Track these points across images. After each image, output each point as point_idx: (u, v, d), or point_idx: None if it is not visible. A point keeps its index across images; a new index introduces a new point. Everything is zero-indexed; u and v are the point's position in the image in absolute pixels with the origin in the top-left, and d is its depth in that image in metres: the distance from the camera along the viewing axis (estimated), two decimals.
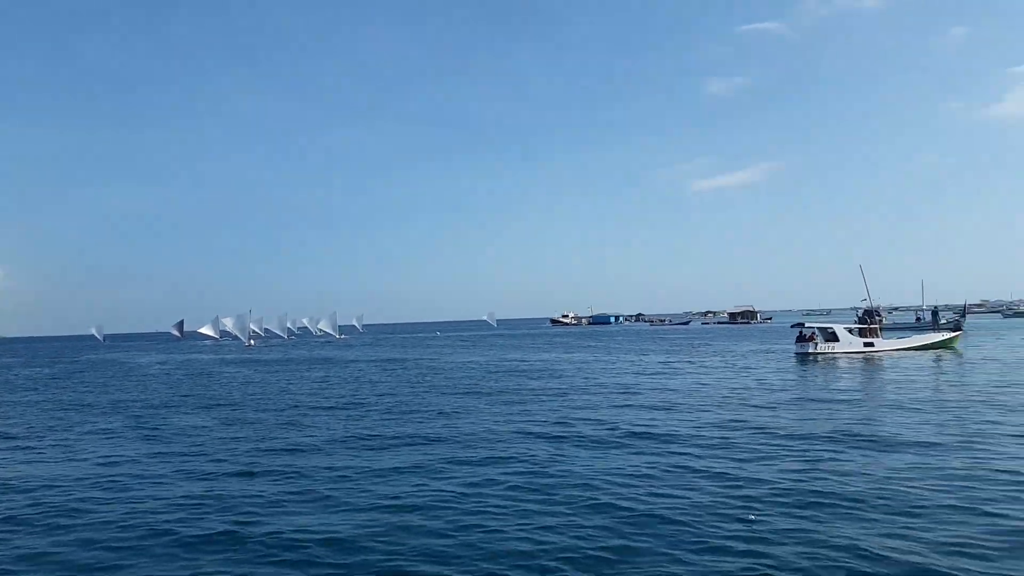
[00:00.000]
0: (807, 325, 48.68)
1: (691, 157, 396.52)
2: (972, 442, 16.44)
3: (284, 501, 13.01)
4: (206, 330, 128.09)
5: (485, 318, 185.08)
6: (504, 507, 12.11)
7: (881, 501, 11.65)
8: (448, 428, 21.06)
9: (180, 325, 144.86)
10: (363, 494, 13.31)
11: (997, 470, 13.60)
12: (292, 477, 14.99)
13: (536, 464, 15.50)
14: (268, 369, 52.59)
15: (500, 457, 16.41)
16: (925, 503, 11.48)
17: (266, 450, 18.32)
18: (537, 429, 20.34)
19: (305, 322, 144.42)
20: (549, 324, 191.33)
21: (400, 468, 15.53)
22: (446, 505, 12.35)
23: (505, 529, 10.89)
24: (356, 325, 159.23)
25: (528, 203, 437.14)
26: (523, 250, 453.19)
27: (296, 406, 28.00)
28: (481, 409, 25.33)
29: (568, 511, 11.75)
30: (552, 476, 14.34)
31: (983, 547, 9.38)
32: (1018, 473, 13.30)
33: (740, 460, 15.23)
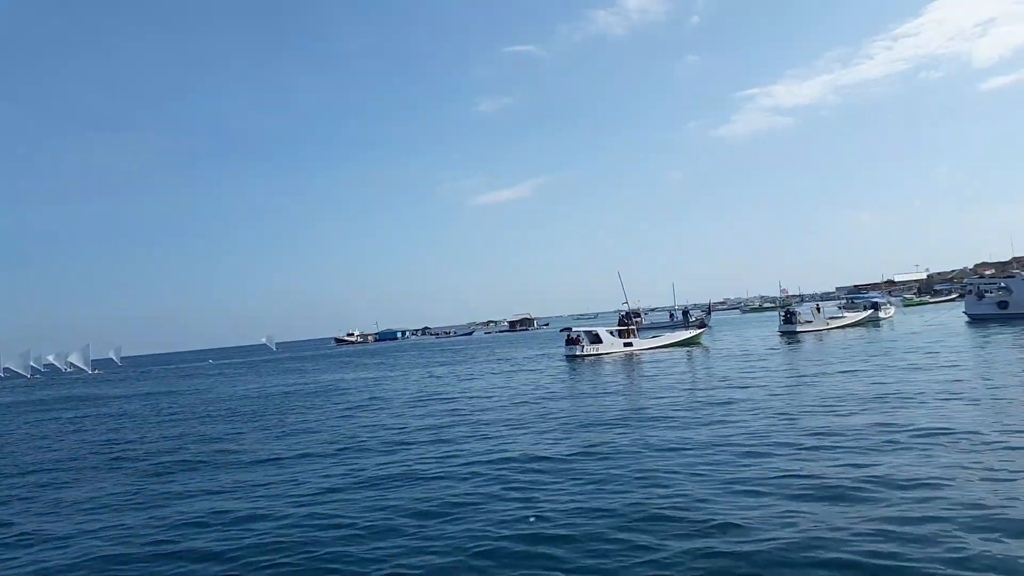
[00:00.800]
0: (574, 329, 52.31)
1: (469, 173, 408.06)
2: (714, 419, 18.87)
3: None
4: None
5: (264, 341, 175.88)
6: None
7: (637, 472, 13.02)
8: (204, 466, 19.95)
9: None
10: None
11: (731, 440, 15.77)
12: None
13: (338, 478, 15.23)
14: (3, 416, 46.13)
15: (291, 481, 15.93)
16: (675, 469, 12.99)
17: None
18: (320, 449, 19.95)
19: (51, 358, 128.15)
20: (334, 344, 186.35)
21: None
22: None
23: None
24: (114, 358, 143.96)
25: (305, 218, 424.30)
26: (302, 268, 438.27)
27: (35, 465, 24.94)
28: (248, 438, 24.24)
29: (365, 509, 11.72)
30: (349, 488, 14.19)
31: (714, 497, 10.86)
32: (744, 444, 15.48)
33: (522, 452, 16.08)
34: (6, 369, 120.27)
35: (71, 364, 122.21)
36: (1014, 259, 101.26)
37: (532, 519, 11.20)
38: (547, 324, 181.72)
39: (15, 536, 13.27)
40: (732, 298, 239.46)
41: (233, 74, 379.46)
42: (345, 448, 19.82)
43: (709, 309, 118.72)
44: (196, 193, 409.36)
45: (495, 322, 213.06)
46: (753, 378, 28.79)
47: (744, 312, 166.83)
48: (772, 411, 19.76)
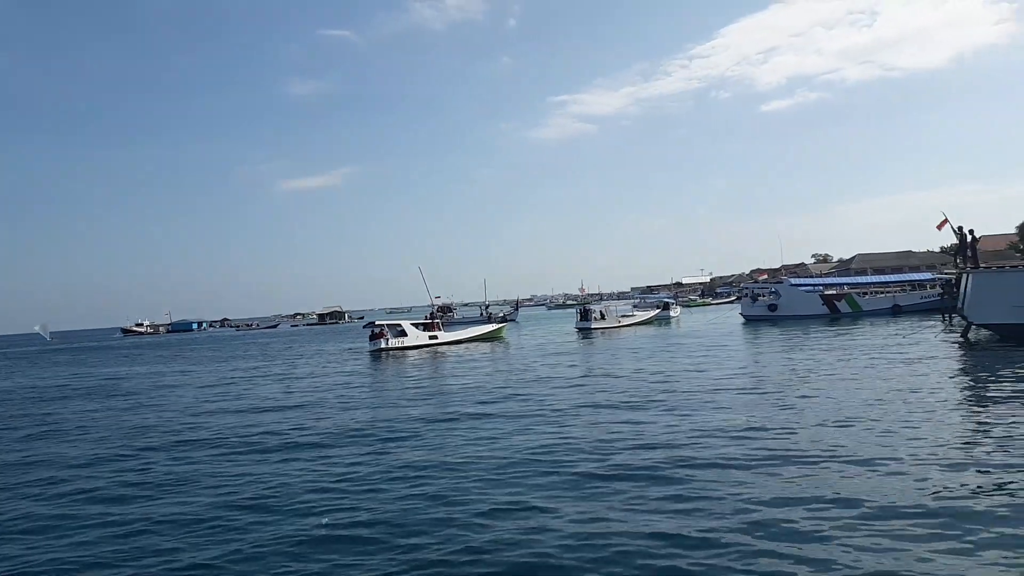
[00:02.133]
0: (377, 323, 51.71)
1: (275, 157, 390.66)
2: (522, 412, 19.50)
3: None
4: None
5: (37, 330, 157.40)
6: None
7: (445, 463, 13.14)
8: None
9: None
10: None
11: (496, 433, 16.36)
12: None
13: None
14: None
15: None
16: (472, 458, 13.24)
17: None
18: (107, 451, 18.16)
19: None
20: (120, 334, 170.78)
21: None
22: None
23: None
24: None
25: (84, 199, 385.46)
26: (84, 252, 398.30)
27: None
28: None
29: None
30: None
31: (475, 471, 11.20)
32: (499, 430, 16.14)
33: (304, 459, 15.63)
34: None
35: None
36: (783, 266, 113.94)
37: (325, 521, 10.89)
38: (361, 317, 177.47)
39: None
40: (539, 295, 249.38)
41: (8, 29, 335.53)
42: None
43: (517, 305, 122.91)
44: None
45: (303, 314, 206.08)
46: (536, 375, 30.04)
47: (549, 309, 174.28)
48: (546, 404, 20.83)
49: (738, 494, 10.66)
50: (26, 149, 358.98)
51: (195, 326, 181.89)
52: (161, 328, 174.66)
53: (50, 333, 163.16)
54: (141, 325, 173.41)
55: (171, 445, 18.17)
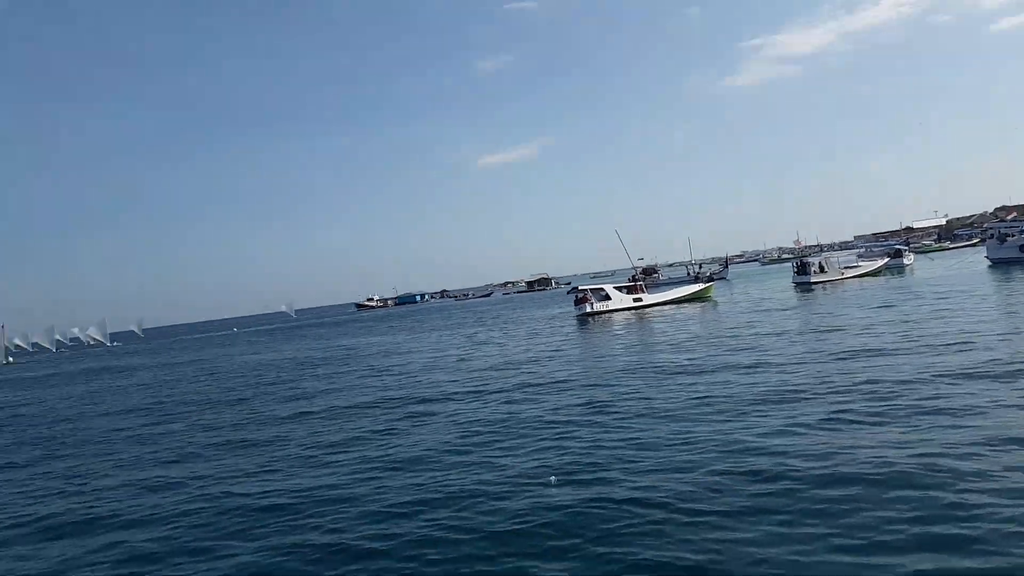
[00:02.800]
0: (581, 288, 52.29)
1: (473, 134, 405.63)
2: (717, 370, 19.08)
3: None
4: None
5: (283, 308, 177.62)
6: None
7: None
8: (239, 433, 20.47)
9: None
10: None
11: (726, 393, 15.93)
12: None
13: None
14: (31, 386, 47.32)
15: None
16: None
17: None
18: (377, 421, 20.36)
19: (75, 331, 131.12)
20: (354, 309, 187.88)
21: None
22: None
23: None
24: (136, 330, 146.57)
25: (316, 188, 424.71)
26: (319, 236, 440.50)
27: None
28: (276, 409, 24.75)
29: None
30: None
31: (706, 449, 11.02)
32: (732, 393, 15.64)
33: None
34: (34, 344, 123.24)
35: (92, 337, 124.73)
36: None
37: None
38: (568, 283, 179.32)
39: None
40: (750, 250, 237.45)
41: (229, 44, 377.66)
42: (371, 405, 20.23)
43: (726, 262, 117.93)
44: (206, 167, 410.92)
45: (513, 283, 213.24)
46: (754, 332, 28.70)
47: (764, 264, 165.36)
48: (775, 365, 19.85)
49: None
50: (258, 150, 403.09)
51: (418, 298, 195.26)
52: (389, 302, 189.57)
53: (295, 311, 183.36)
54: (372, 300, 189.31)
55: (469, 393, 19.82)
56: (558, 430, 14.69)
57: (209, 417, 22.83)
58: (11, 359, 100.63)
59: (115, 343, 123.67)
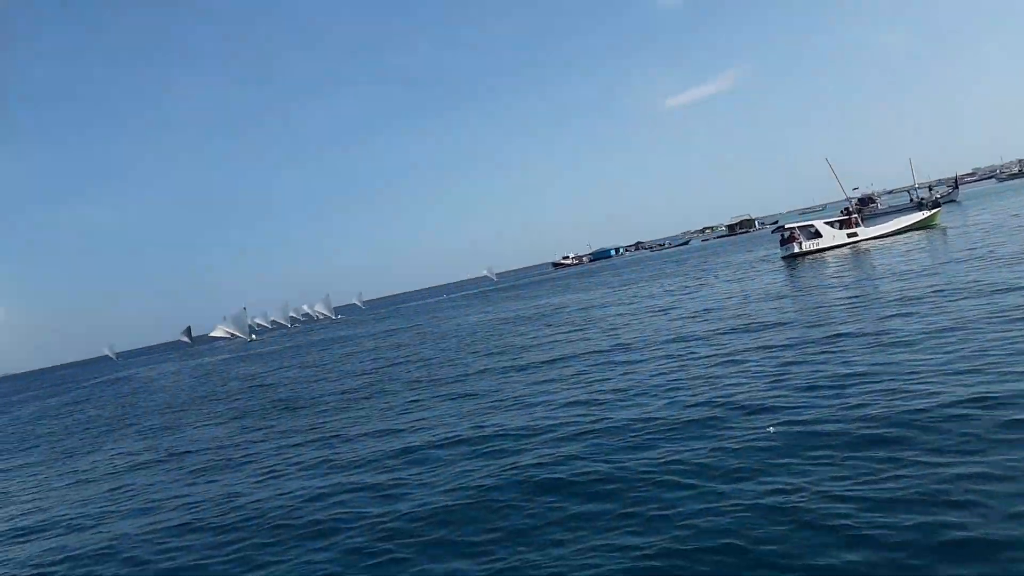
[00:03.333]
0: (787, 226, 48.51)
1: (657, 75, 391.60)
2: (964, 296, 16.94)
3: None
4: (216, 332, 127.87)
5: (485, 273, 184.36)
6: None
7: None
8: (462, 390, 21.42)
9: (188, 331, 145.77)
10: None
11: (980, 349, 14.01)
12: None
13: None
14: (270, 360, 52.99)
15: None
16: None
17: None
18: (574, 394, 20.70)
19: (305, 308, 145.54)
20: (551, 268, 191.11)
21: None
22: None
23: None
24: (357, 303, 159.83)
25: (502, 153, 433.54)
26: (512, 199, 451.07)
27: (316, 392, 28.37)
28: (482, 369, 25.67)
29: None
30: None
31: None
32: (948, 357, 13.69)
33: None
34: (272, 321, 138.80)
35: (319, 312, 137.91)
36: None
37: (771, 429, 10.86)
38: (775, 222, 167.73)
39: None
40: (984, 167, 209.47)
41: (422, 18, 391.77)
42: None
43: (956, 183, 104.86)
44: (393, 143, 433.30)
45: (711, 228, 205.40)
46: (995, 261, 25.05)
47: (1000, 181, 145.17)
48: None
49: None
50: (449, 121, 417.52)
51: (612, 252, 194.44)
52: (584, 258, 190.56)
53: (496, 274, 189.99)
54: (568, 258, 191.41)
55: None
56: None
57: (434, 373, 24.13)
58: (254, 336, 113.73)
59: (339, 316, 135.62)
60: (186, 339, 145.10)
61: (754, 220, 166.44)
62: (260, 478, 14.38)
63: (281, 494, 12.72)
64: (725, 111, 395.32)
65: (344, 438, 16.58)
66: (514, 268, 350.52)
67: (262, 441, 18.51)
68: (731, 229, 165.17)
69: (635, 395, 14.97)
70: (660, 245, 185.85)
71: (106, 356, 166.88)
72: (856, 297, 23.00)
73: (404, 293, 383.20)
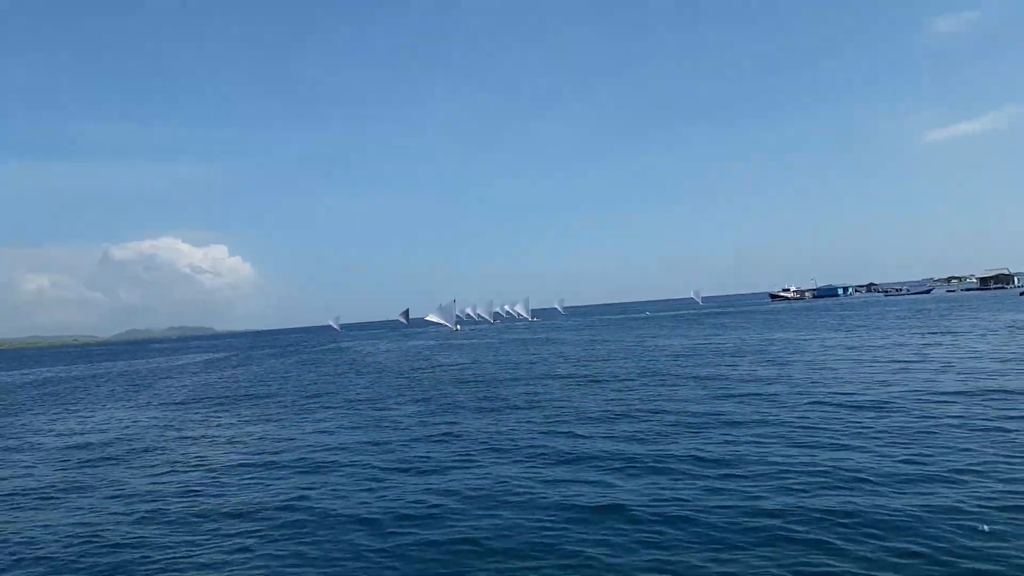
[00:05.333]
0: None
1: (919, 107, 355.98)
2: None
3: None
4: (431, 317, 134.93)
5: (692, 295, 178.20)
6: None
7: None
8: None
9: (406, 313, 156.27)
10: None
11: None
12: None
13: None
14: (471, 351, 54.29)
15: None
16: None
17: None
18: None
19: (507, 307, 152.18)
20: (768, 300, 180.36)
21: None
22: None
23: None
24: (558, 308, 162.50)
25: (730, 173, 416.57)
26: (734, 223, 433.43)
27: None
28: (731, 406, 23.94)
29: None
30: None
31: None
32: None
33: None
34: (478, 314, 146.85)
35: (517, 312, 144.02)
36: None
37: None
38: None
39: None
40: None
41: (655, 45, 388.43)
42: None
43: None
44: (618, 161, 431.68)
45: (960, 278, 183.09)
46: None
47: None
48: None
49: None
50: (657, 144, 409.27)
51: (840, 291, 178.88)
52: (807, 294, 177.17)
53: (701, 298, 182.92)
54: (788, 291, 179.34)
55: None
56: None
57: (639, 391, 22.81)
58: (459, 327, 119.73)
59: (535, 318, 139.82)
60: (403, 320, 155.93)
61: (1013, 276, 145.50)
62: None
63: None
64: (993, 151, 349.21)
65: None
66: (722, 294, 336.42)
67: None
68: (983, 283, 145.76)
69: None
70: (897, 290, 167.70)
71: (330, 326, 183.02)
72: None
73: (603, 304, 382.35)
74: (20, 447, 22.83)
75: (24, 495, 15.46)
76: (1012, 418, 15.86)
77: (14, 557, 11.04)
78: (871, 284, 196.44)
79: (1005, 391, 19.43)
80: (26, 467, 19.01)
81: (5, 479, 17.45)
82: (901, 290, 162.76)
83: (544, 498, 12.07)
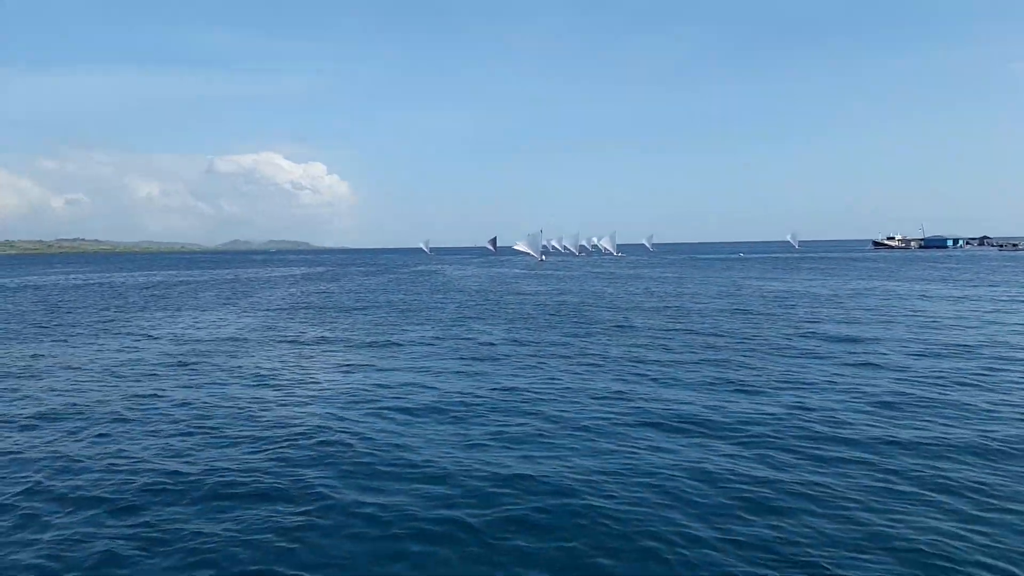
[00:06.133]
0: None
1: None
2: None
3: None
4: (519, 246, 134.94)
5: (788, 239, 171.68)
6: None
7: None
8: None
9: (494, 241, 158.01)
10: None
11: None
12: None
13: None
14: (556, 281, 54.46)
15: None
16: None
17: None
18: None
19: (595, 240, 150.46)
20: (871, 247, 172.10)
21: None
22: None
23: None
24: (646, 244, 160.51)
25: (844, 111, 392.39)
26: (835, 164, 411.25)
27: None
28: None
29: None
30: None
31: None
32: None
33: None
34: (565, 246, 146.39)
35: (604, 247, 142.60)
36: None
37: None
38: None
39: None
40: None
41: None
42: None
43: None
44: (732, 91, 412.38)
45: None
46: None
47: None
48: None
49: None
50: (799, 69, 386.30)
51: (950, 243, 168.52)
52: (913, 243, 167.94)
53: (798, 241, 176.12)
54: (893, 239, 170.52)
55: None
56: None
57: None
58: (544, 258, 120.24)
59: (621, 254, 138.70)
60: (491, 247, 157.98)
61: None
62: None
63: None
64: None
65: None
66: (820, 239, 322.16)
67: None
68: None
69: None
70: (1014, 244, 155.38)
71: (420, 248, 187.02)
72: None
73: (699, 243, 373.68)
74: (132, 345, 24.58)
75: (136, 383, 16.83)
76: None
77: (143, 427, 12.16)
78: (984, 237, 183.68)
79: None
80: (137, 359, 20.57)
81: (122, 365, 19.03)
82: (1018, 245, 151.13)
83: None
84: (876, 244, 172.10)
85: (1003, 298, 35.88)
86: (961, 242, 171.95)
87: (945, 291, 40.99)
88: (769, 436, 11.47)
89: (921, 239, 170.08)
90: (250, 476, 9.98)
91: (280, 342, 23.93)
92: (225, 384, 16.70)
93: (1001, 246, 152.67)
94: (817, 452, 10.60)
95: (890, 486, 9.12)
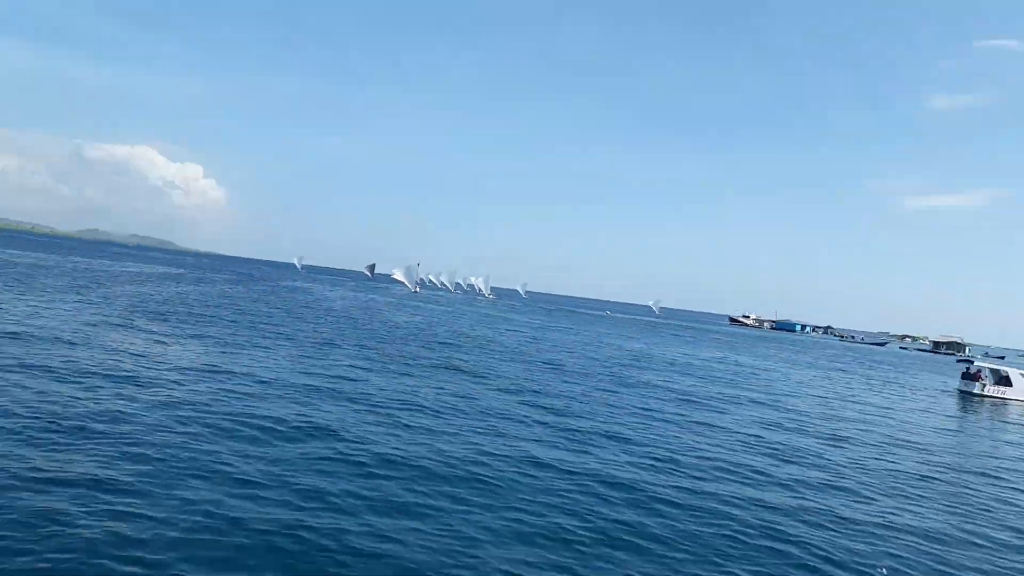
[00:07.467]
0: (976, 363, 46.06)
1: (904, 173, 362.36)
2: None
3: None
4: (396, 275, 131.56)
5: (650, 304, 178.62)
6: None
7: None
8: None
9: (372, 267, 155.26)
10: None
11: None
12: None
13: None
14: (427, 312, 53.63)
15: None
16: None
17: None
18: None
19: (471, 279, 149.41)
20: (727, 322, 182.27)
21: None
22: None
23: None
24: (520, 290, 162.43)
25: (714, 196, 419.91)
26: (700, 242, 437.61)
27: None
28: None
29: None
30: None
31: None
32: None
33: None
34: (441, 282, 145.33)
35: (479, 287, 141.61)
36: None
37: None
38: (985, 354, 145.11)
39: None
40: None
41: (676, 56, 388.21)
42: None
43: None
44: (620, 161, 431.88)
45: (913, 337, 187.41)
46: None
47: None
48: None
49: None
50: (684, 154, 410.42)
51: (798, 328, 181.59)
52: (765, 324, 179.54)
53: (659, 308, 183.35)
54: (748, 317, 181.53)
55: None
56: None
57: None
58: (418, 289, 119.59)
59: (493, 296, 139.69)
60: (368, 273, 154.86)
61: (964, 346, 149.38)
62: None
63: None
64: (967, 227, 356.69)
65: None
66: (681, 309, 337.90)
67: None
68: (936, 346, 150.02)
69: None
70: (852, 337, 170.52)
71: (293, 264, 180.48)
72: None
73: (564, 296, 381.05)
74: None
75: None
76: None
77: None
78: (828, 327, 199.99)
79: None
80: None
81: None
82: (855, 338, 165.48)
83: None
84: (732, 320, 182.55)
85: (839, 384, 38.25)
86: (808, 328, 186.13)
87: (795, 373, 43.34)
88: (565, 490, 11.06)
89: (773, 320, 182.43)
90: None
91: (107, 340, 21.55)
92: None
93: (842, 337, 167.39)
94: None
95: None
